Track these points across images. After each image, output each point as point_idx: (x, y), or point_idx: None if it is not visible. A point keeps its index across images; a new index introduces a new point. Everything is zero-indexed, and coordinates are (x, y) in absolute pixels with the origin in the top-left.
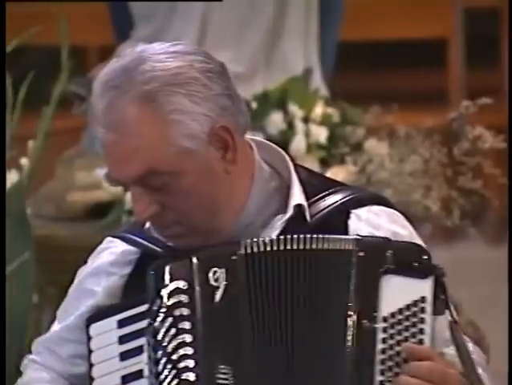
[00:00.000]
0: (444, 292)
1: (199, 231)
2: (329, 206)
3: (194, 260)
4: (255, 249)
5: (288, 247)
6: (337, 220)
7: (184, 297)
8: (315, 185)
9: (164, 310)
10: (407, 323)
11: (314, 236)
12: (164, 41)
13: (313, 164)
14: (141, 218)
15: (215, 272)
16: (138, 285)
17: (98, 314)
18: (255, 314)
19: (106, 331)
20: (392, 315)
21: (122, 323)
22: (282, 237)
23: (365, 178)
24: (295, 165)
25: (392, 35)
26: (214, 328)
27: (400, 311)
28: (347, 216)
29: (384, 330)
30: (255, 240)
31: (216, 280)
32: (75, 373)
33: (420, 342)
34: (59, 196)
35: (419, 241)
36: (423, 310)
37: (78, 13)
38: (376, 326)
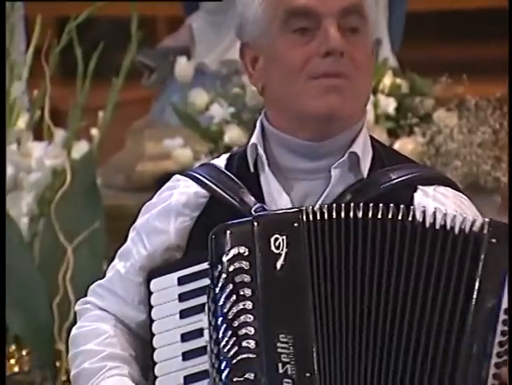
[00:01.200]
0: None
1: (354, 98)
2: (396, 178)
3: (256, 225)
4: (318, 216)
5: (359, 215)
6: (403, 192)
7: (245, 264)
8: (386, 157)
9: (224, 275)
10: None
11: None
12: (233, 13)
13: (381, 135)
14: (336, 44)
15: (276, 238)
16: (204, 231)
17: (159, 270)
18: (317, 282)
19: (166, 287)
20: None
21: (182, 281)
22: (347, 204)
23: (434, 149)
24: (371, 137)
25: (460, 5)
26: (275, 296)
27: None
28: (414, 191)
29: (504, 322)
30: (315, 206)
31: (277, 247)
32: (140, 319)
33: None
34: (129, 167)
35: None
36: None
37: None
38: (499, 317)
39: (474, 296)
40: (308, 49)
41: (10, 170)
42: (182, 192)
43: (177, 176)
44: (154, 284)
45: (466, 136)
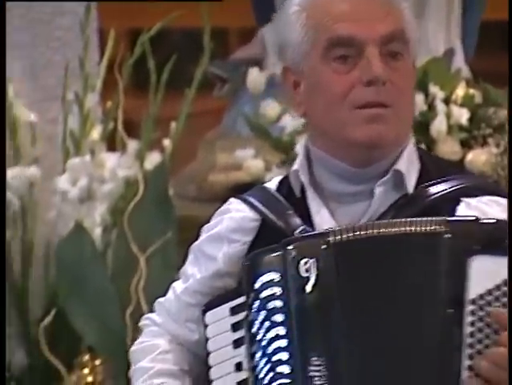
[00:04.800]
0: None
1: (398, 125)
2: (440, 192)
3: (287, 251)
4: (344, 237)
5: (376, 232)
6: (446, 205)
7: (277, 290)
8: (433, 170)
9: (258, 303)
10: (497, 304)
11: (400, 220)
12: None
13: (454, 146)
14: (379, 73)
15: (306, 262)
16: None
17: (213, 301)
18: (346, 303)
19: (220, 319)
20: (481, 297)
21: (234, 310)
22: (369, 222)
23: (507, 160)
24: (419, 149)
25: None
26: (307, 320)
27: (490, 292)
28: (457, 203)
29: (473, 312)
30: (343, 227)
31: (307, 270)
32: (192, 340)
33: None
34: (201, 177)
35: None
36: None
37: None
38: (465, 309)
39: (440, 295)
40: (350, 77)
41: (83, 181)
42: (232, 216)
43: (231, 199)
44: (208, 316)
45: None
